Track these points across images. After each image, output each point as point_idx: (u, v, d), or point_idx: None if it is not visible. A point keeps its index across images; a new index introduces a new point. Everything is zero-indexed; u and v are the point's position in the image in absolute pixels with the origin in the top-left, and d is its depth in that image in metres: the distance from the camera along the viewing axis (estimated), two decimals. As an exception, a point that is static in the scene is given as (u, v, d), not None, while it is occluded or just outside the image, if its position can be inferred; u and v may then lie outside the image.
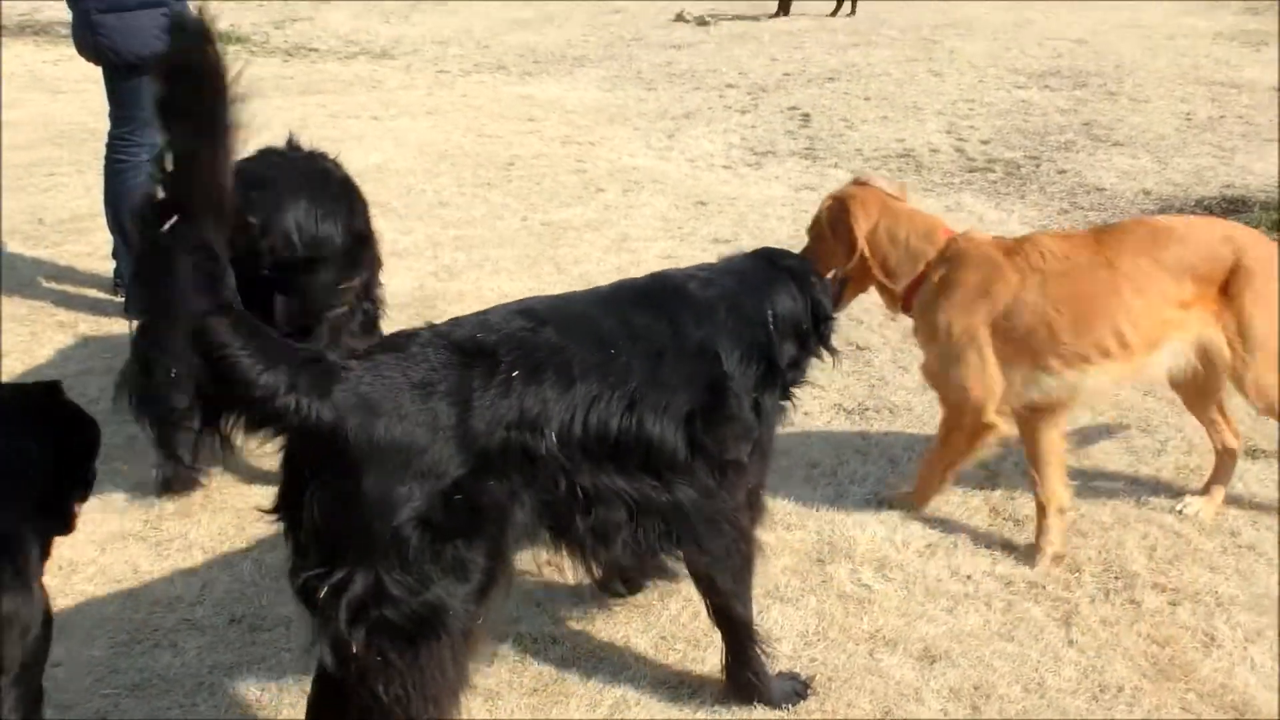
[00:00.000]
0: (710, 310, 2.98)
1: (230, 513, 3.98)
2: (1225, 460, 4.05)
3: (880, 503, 4.08)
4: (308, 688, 3.13)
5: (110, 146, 5.40)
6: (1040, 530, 3.77)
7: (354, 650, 2.40)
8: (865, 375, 4.97)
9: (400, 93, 10.27)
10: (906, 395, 4.80)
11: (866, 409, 4.70)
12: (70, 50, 11.78)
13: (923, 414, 4.66)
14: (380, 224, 6.64)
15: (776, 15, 12.87)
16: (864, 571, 3.70)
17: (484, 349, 2.58)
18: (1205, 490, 4.06)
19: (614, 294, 3.01)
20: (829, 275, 3.66)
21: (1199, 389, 3.99)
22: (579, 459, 2.63)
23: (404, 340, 2.63)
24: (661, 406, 2.76)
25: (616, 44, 12.81)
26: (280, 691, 3.18)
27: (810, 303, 3.22)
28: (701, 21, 13.85)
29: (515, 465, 2.53)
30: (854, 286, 3.94)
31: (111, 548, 3.80)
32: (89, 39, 5.10)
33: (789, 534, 3.89)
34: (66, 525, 2.62)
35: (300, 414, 2.31)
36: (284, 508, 2.52)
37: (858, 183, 4.00)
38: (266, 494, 4.02)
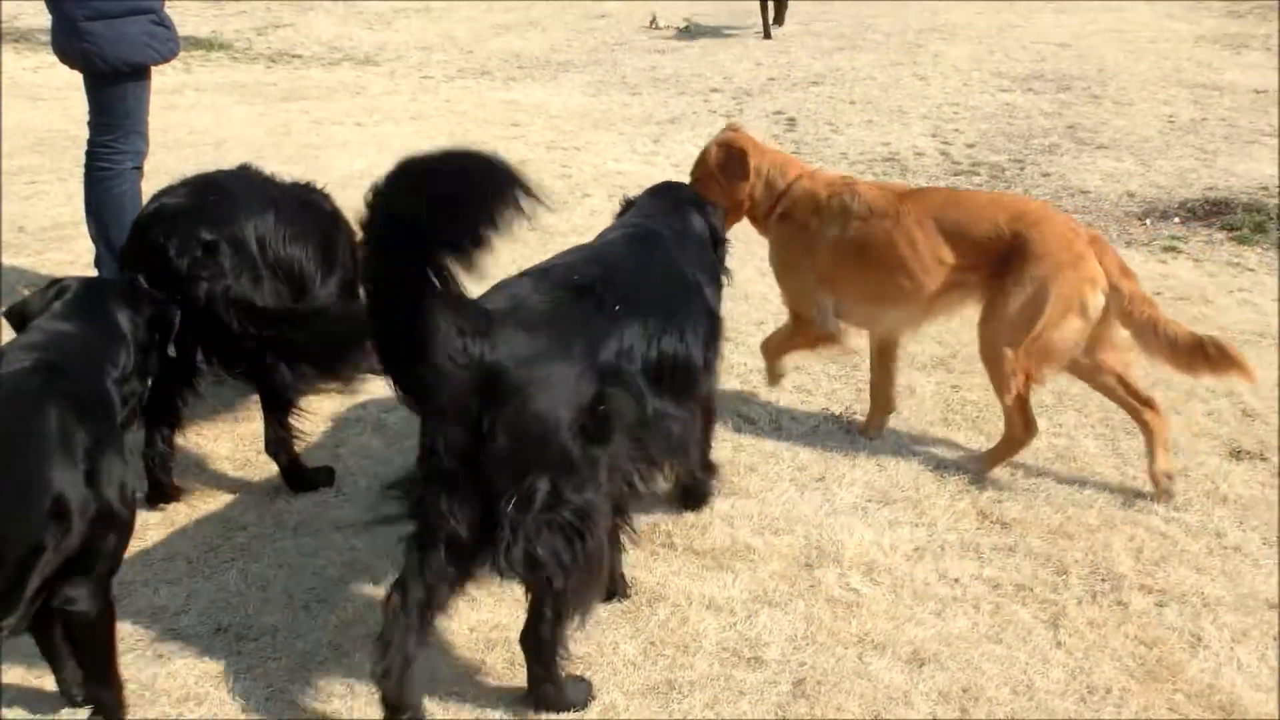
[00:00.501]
0: (681, 247, 3.56)
1: (215, 523, 3.96)
2: (1150, 423, 4.15)
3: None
4: (295, 697, 3.15)
5: (91, 154, 5.35)
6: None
7: (539, 551, 2.80)
8: (852, 380, 4.97)
9: (384, 99, 10.25)
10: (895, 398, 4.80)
11: (854, 414, 4.70)
12: (51, 58, 11.72)
13: (910, 418, 4.67)
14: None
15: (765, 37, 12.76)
16: (852, 576, 3.70)
17: (584, 288, 3.05)
18: (1150, 456, 4.15)
19: (629, 242, 3.53)
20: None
21: (1083, 367, 4.23)
22: (649, 382, 3.07)
23: (515, 284, 3.10)
24: (695, 333, 3.28)
25: (600, 49, 12.81)
26: (268, 701, 3.16)
27: (710, 227, 3.81)
28: (683, 29, 13.83)
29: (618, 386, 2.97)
30: (731, 217, 4.38)
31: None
32: (74, 45, 5.06)
33: (776, 539, 3.88)
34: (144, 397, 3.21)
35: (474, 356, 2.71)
36: (438, 459, 2.85)
37: (731, 128, 4.55)
38: (249, 504, 4.04)
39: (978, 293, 4.16)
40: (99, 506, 2.73)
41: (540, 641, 3.01)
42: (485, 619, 3.47)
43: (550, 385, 2.81)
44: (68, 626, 2.88)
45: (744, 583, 3.65)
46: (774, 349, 4.63)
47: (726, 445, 4.42)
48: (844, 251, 4.25)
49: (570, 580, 2.88)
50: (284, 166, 7.89)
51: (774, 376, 4.73)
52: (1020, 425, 4.17)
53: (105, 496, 2.75)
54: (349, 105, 9.93)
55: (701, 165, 4.46)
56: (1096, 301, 3.99)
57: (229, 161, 8.01)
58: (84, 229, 6.44)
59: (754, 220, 4.51)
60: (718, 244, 3.85)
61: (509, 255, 6.18)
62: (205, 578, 3.67)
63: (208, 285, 3.80)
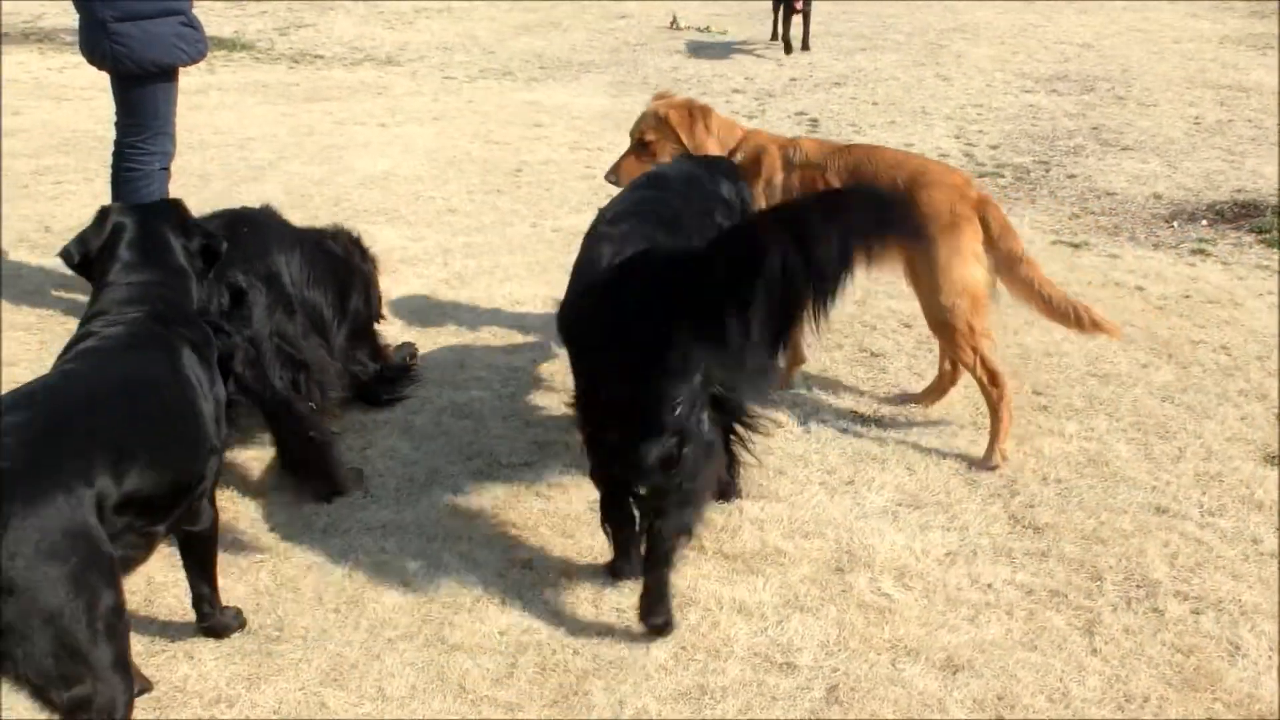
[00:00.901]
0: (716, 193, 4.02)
1: (245, 523, 3.96)
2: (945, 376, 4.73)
3: None
4: (327, 700, 3.14)
5: (119, 155, 5.36)
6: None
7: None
8: (880, 382, 4.94)
9: (406, 99, 10.24)
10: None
11: (882, 416, 4.67)
12: (76, 58, 11.76)
13: (938, 421, 4.64)
14: (389, 231, 6.67)
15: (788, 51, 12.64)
16: (884, 580, 3.68)
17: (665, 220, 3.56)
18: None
19: (680, 185, 3.94)
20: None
21: None
22: None
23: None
24: None
25: (622, 49, 12.77)
26: (300, 704, 3.15)
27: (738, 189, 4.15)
28: (703, 30, 13.80)
29: None
30: None
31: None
32: (103, 46, 5.07)
33: (807, 542, 3.86)
34: None
35: None
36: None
37: (660, 96, 4.92)
38: (278, 505, 4.03)
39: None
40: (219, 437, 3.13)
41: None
42: (515, 622, 3.46)
43: None
44: (187, 543, 3.25)
45: (774, 587, 3.63)
46: None
47: (755, 448, 4.38)
48: (788, 196, 4.55)
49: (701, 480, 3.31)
50: (308, 167, 7.95)
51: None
52: (990, 381, 4.34)
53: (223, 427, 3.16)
54: (371, 106, 9.92)
55: (659, 127, 4.69)
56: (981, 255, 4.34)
57: (254, 161, 8.07)
58: (110, 229, 6.46)
59: None
60: (745, 207, 4.18)
61: (530, 258, 6.17)
62: (235, 578, 3.66)
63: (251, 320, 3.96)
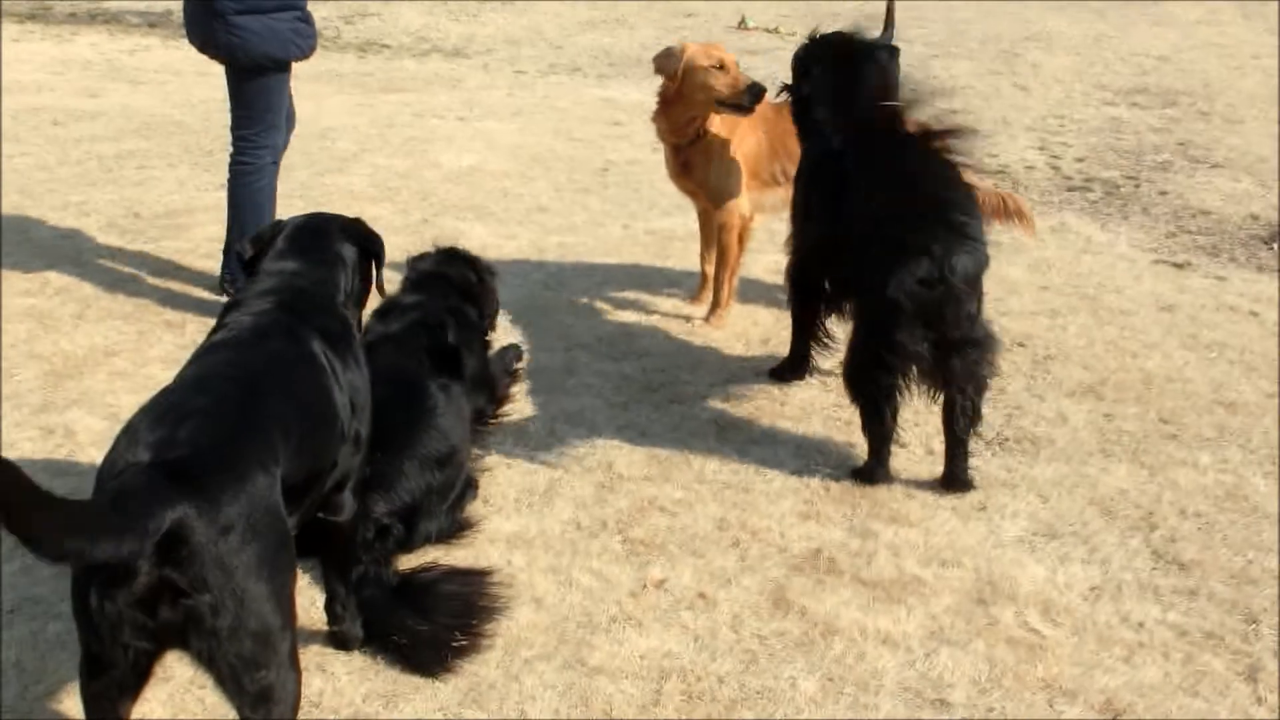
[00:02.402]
0: None
1: (365, 529, 3.85)
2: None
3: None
4: (470, 722, 3.03)
5: (236, 148, 5.33)
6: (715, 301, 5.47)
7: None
8: (1000, 404, 4.80)
9: (482, 93, 10.15)
10: (1047, 426, 4.63)
11: (1006, 439, 4.54)
12: (146, 39, 11.74)
13: (1065, 446, 4.50)
14: (480, 229, 6.57)
15: None
16: (1030, 615, 3.54)
17: None
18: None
19: None
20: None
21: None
22: None
23: None
24: None
25: (690, 49, 12.63)
26: (441, 725, 3.05)
27: None
28: (772, 32, 13.66)
29: None
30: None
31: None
32: (220, 38, 4.99)
33: (945, 570, 3.73)
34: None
35: None
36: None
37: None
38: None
39: None
40: (358, 426, 3.04)
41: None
42: (655, 646, 3.34)
43: None
44: (326, 535, 3.14)
45: (918, 618, 3.51)
46: (727, 282, 5.42)
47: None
48: (758, 150, 5.35)
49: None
50: (392, 160, 7.87)
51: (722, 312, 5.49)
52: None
53: (361, 415, 3.07)
54: (447, 99, 9.83)
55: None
56: None
57: (337, 152, 7.99)
58: (201, 218, 6.42)
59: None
60: None
61: (627, 260, 6.03)
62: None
63: None
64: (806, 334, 4.85)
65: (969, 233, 3.92)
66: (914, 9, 14.98)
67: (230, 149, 5.35)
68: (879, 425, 4.13)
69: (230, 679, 2.41)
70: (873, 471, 4.20)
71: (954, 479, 4.16)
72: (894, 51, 4.92)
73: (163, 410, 2.52)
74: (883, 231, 3.98)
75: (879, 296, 3.94)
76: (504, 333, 5.26)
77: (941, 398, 4.11)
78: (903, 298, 3.88)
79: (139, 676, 2.47)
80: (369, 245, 3.39)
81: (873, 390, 4.08)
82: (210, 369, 2.79)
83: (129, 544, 2.18)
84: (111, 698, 2.48)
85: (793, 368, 4.92)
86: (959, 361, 4.00)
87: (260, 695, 2.44)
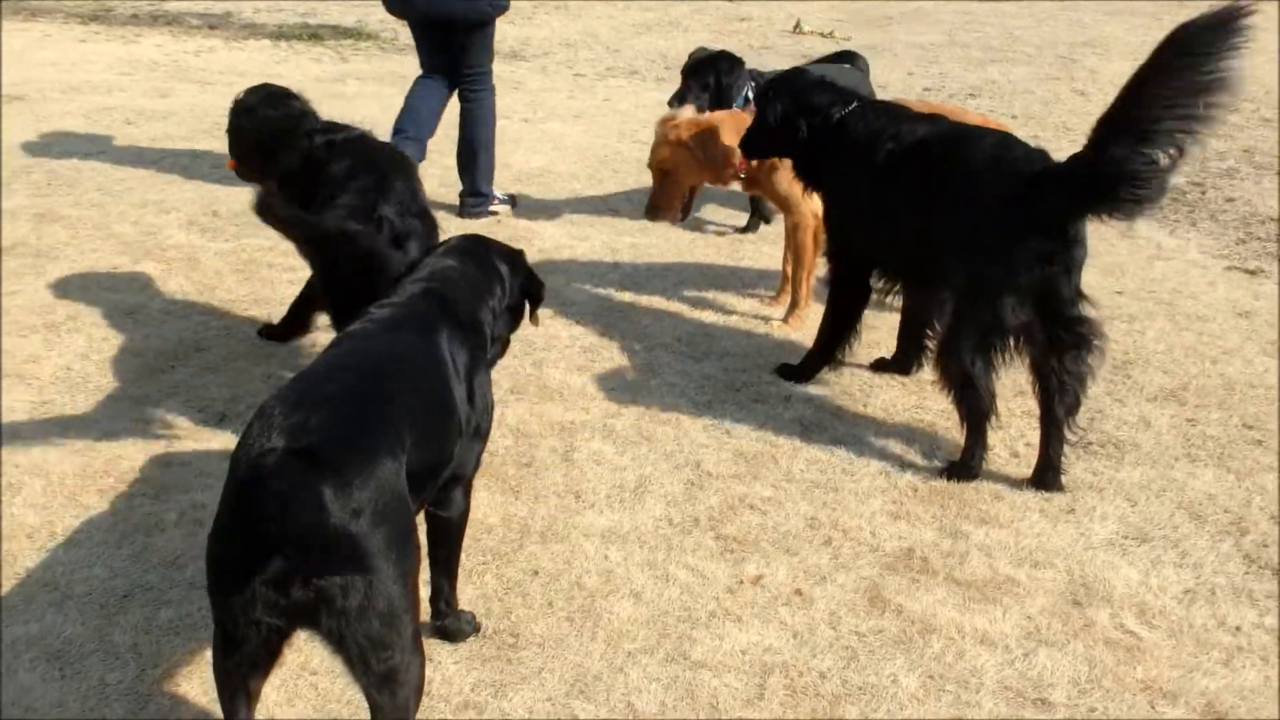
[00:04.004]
0: None
1: (461, 522, 3.91)
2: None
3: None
4: (578, 713, 3.07)
5: (468, 85, 6.75)
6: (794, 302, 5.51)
7: None
8: (1083, 408, 4.79)
9: (543, 95, 10.22)
10: (1130, 431, 4.64)
11: (1090, 443, 4.54)
12: (209, 41, 11.89)
13: (1150, 451, 4.50)
14: (553, 229, 6.63)
15: None
16: (1125, 617, 3.55)
17: None
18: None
19: None
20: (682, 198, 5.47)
21: None
22: None
23: None
24: None
25: (746, 53, 12.55)
26: (550, 716, 3.09)
27: None
28: (827, 36, 13.68)
29: None
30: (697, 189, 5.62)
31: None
32: (460, 4, 6.39)
33: (1038, 571, 3.75)
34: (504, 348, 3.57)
35: None
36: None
37: (664, 121, 5.48)
38: (491, 506, 3.99)
39: None
40: (477, 421, 3.10)
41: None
42: (755, 641, 3.38)
43: None
44: (435, 529, 3.20)
45: (1014, 618, 3.53)
46: (805, 284, 5.47)
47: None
48: None
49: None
50: (466, 161, 7.91)
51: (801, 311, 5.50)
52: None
53: (480, 412, 3.14)
54: (510, 100, 9.87)
55: (682, 151, 5.33)
56: None
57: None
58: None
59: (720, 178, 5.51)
60: None
61: (700, 261, 6.07)
62: (462, 580, 3.58)
63: None
64: (841, 329, 4.87)
65: (1076, 210, 3.96)
66: (967, 13, 15.01)
67: (460, 94, 6.81)
68: (978, 408, 4.17)
69: (358, 659, 2.48)
70: (969, 464, 4.24)
71: (1048, 470, 4.18)
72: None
73: (297, 397, 2.58)
74: (993, 213, 4.00)
75: (994, 274, 3.98)
76: (583, 333, 5.32)
77: (1040, 385, 4.14)
78: (1023, 274, 3.93)
79: (270, 655, 2.54)
80: (529, 284, 3.55)
81: (970, 373, 4.12)
82: (343, 358, 2.86)
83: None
84: (243, 674, 2.56)
85: (816, 367, 4.94)
86: (1069, 341, 4.05)
87: (386, 676, 2.51)
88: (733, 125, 5.30)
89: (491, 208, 6.92)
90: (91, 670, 3.18)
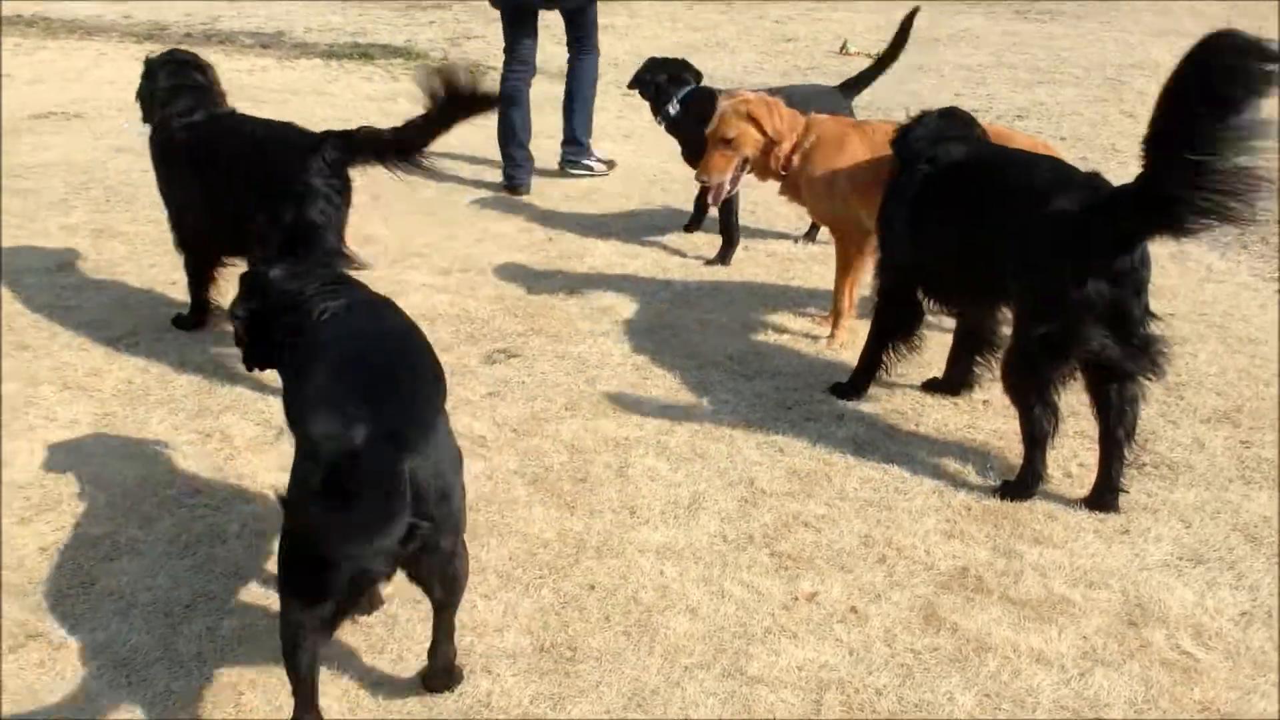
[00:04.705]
0: None
1: (517, 538, 3.96)
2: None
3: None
4: (637, 725, 3.10)
5: (575, 54, 8.01)
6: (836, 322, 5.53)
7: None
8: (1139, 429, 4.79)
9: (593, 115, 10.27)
10: (1184, 452, 4.62)
11: (1143, 464, 4.52)
12: (261, 60, 12.04)
13: (1205, 473, 4.48)
14: (604, 247, 6.68)
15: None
16: (1182, 638, 3.54)
17: None
18: None
19: None
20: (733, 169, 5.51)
21: None
22: None
23: None
24: None
25: (792, 73, 12.70)
26: (609, 728, 3.12)
27: None
28: (872, 55, 13.69)
29: None
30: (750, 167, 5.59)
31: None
32: None
33: (1093, 592, 3.74)
34: None
35: None
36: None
37: (728, 95, 5.66)
38: (547, 521, 4.03)
39: None
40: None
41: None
42: (811, 658, 3.40)
43: None
44: None
45: (1070, 638, 3.53)
46: (847, 295, 5.47)
47: (1020, 490, 4.31)
48: (874, 171, 5.13)
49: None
50: (518, 179, 8.00)
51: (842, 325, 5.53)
52: None
53: None
54: (559, 119, 9.97)
55: (742, 122, 5.40)
56: None
57: (455, 169, 8.15)
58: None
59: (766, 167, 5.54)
60: None
61: (750, 280, 6.11)
62: (519, 593, 3.67)
63: None
64: (885, 344, 4.90)
65: (1141, 231, 3.96)
66: (1014, 35, 14.98)
67: (573, 52, 7.93)
68: (1041, 427, 4.17)
69: (437, 576, 3.00)
70: (1028, 480, 4.24)
71: (1106, 491, 4.18)
72: None
73: (360, 388, 2.90)
74: (1059, 231, 4.01)
75: (1061, 293, 3.98)
76: (632, 352, 5.37)
77: (1100, 406, 4.14)
78: (1091, 293, 3.93)
79: (353, 605, 2.95)
80: None
81: (1038, 391, 4.13)
82: (362, 346, 3.22)
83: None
84: (322, 627, 2.87)
85: (864, 383, 4.98)
86: (1133, 361, 4.05)
87: (452, 580, 3.05)
88: (789, 113, 5.46)
89: (587, 161, 7.98)
90: (157, 678, 3.24)
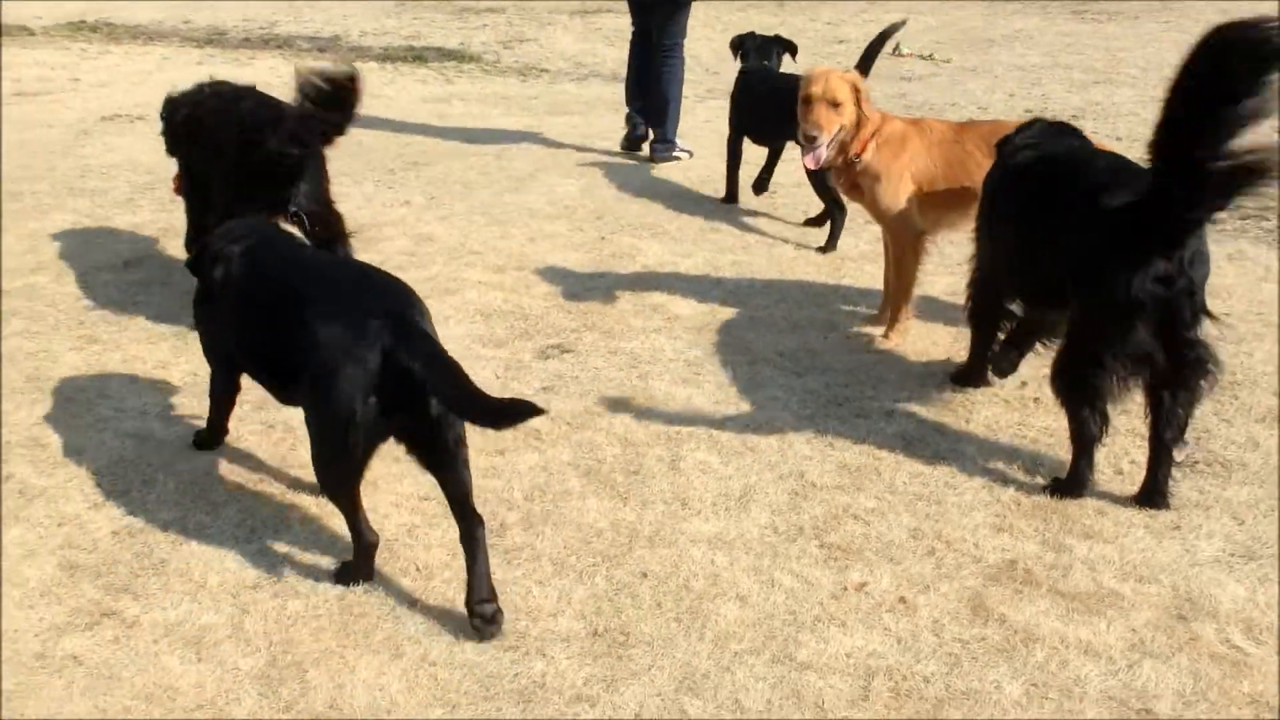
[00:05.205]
0: None
1: (571, 527, 4.04)
2: None
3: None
4: (686, 709, 3.17)
5: (665, 51, 8.52)
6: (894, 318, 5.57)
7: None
8: (1189, 427, 4.79)
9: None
10: (1238, 450, 4.62)
11: (1196, 462, 4.54)
12: (321, 64, 12.24)
13: (1259, 471, 4.48)
14: (656, 246, 6.76)
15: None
16: (1232, 632, 3.56)
17: None
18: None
19: None
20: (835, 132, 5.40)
21: None
22: None
23: None
24: None
25: (845, 74, 12.73)
26: (660, 711, 3.19)
27: None
28: (924, 56, 13.69)
29: None
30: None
31: (462, 554, 3.87)
32: None
33: (1143, 586, 3.77)
34: None
35: None
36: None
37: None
38: (600, 511, 4.12)
39: None
40: None
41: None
42: (859, 645, 3.46)
43: None
44: None
45: (1118, 630, 3.56)
46: (903, 297, 5.54)
47: (1070, 486, 4.34)
48: (933, 167, 5.40)
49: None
50: (566, 180, 8.13)
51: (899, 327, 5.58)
52: None
53: None
54: (612, 121, 10.06)
55: (850, 92, 5.36)
56: None
57: (514, 171, 8.28)
58: (387, 231, 6.74)
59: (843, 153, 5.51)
60: None
61: (801, 278, 6.15)
62: (573, 580, 3.75)
63: None
64: (986, 345, 5.00)
65: (1197, 231, 3.97)
66: (1069, 35, 14.90)
67: (659, 53, 8.51)
68: (1088, 429, 4.19)
69: (453, 448, 3.50)
70: (1075, 481, 4.26)
71: (1154, 491, 4.19)
72: None
73: (364, 308, 3.49)
74: (1115, 233, 4.02)
75: (1110, 295, 4.00)
76: (688, 346, 5.45)
77: (1152, 407, 4.16)
78: (1142, 296, 3.94)
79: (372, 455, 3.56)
80: None
81: (1087, 393, 4.14)
82: (335, 280, 3.75)
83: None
84: (360, 473, 3.57)
85: (971, 376, 5.09)
86: (1182, 364, 4.06)
87: (464, 460, 3.54)
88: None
89: (674, 153, 8.69)
90: (226, 655, 3.36)
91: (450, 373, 3.34)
